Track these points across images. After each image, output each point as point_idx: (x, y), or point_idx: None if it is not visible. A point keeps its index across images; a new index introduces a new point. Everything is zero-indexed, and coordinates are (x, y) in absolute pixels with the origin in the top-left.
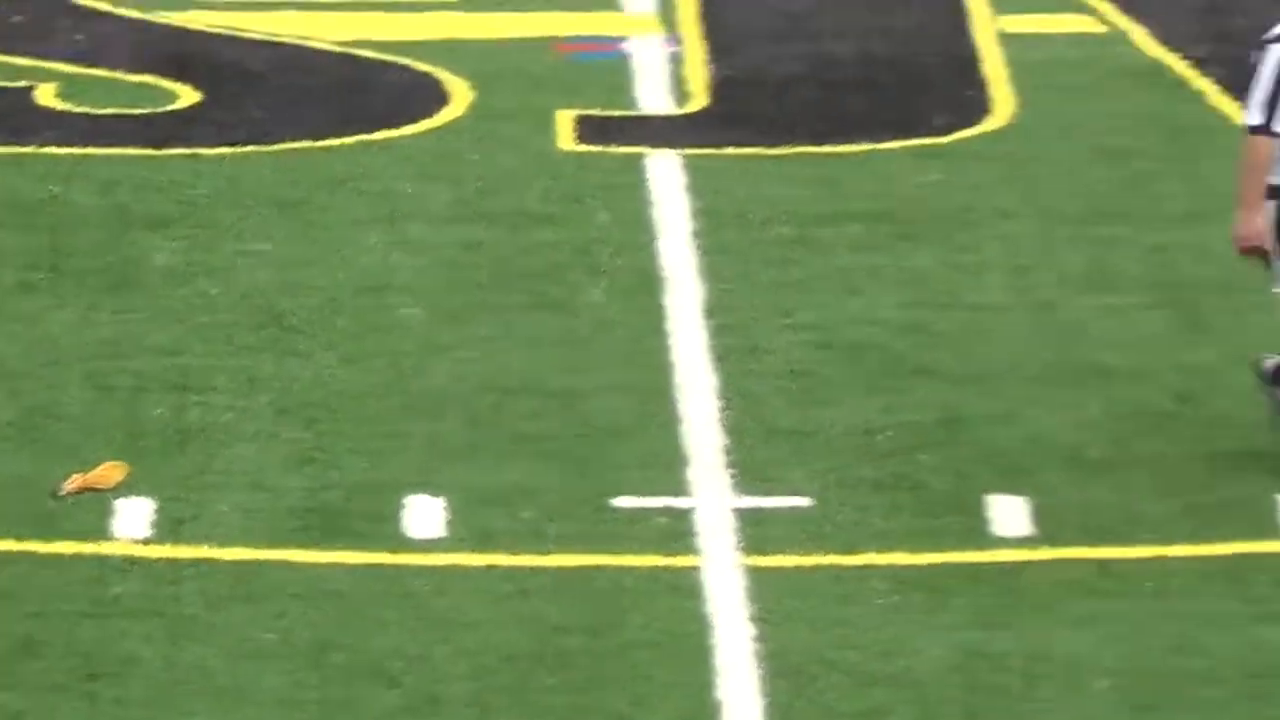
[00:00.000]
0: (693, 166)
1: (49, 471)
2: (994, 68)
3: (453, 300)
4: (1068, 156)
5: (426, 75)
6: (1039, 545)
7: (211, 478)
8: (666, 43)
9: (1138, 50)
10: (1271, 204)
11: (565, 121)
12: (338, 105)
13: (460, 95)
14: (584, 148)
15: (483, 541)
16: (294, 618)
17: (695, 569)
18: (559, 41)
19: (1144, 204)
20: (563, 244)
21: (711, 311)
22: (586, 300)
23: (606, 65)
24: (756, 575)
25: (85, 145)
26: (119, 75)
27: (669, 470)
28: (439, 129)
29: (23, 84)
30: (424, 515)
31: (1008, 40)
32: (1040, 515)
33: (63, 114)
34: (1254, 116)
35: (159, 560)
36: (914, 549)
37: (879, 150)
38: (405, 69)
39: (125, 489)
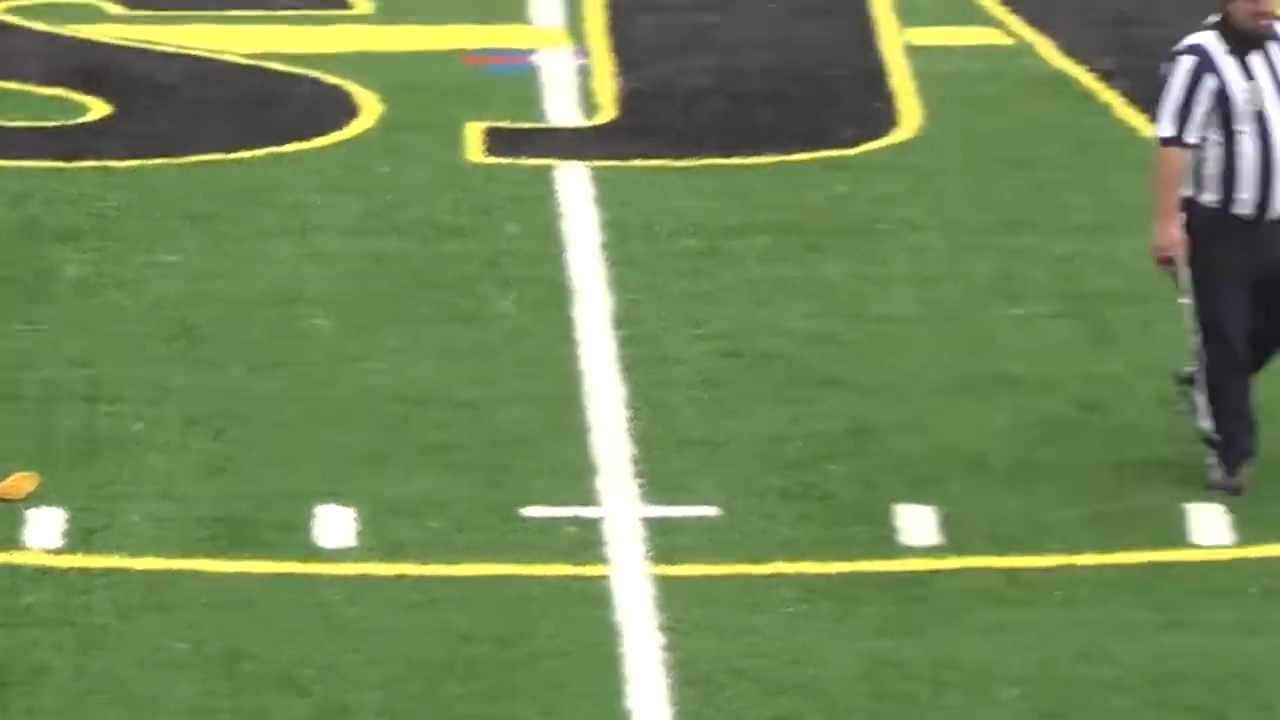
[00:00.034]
0: (601, 178)
1: None
2: (901, 80)
3: (362, 311)
4: (975, 168)
5: (336, 88)
6: (947, 554)
7: (122, 488)
8: (575, 55)
9: (1044, 62)
10: (1182, 215)
11: (474, 134)
12: (248, 118)
13: (370, 108)
14: (493, 160)
15: (392, 551)
16: (205, 627)
17: (604, 578)
18: (468, 54)
19: (1051, 215)
20: (472, 255)
21: (620, 322)
22: (495, 311)
23: (515, 78)
24: (665, 584)
25: None
26: (29, 88)
27: (578, 480)
28: (349, 141)
29: None
30: (334, 525)
31: (915, 53)
32: (948, 524)
33: None
34: (1165, 128)
35: (70, 570)
36: (822, 558)
37: (787, 162)
38: (315, 82)
39: (36, 499)
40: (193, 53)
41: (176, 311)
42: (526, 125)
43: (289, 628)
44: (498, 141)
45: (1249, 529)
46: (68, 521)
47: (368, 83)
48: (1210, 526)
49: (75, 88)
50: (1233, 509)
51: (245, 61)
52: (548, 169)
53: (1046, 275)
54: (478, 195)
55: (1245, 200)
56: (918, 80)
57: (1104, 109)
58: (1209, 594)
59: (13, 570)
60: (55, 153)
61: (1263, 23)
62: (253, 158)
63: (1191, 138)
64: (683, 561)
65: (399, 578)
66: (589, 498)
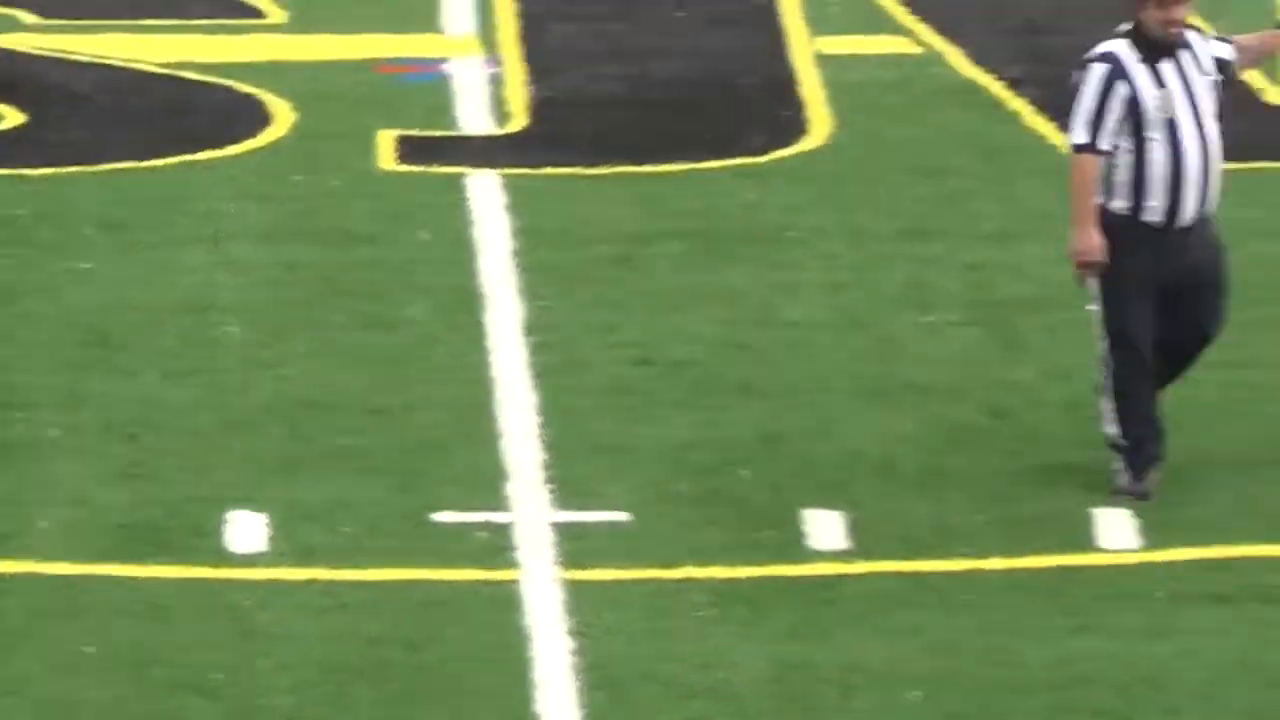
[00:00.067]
0: (513, 186)
1: None
2: (811, 88)
3: (275, 318)
4: (884, 176)
5: (249, 97)
6: (855, 559)
7: (35, 493)
8: (487, 64)
9: (953, 71)
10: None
11: (387, 142)
12: (162, 126)
13: (283, 116)
14: (405, 168)
15: (304, 556)
16: (116, 631)
17: (514, 583)
18: (380, 63)
19: (959, 223)
20: (384, 263)
21: (531, 329)
22: (407, 318)
23: (427, 86)
24: (575, 589)
25: None
26: None
27: (488, 485)
28: (262, 150)
29: None
30: (245, 530)
31: (824, 61)
32: (856, 529)
33: None
34: (1079, 135)
35: None
36: (732, 563)
37: (697, 170)
38: (229, 90)
39: None
40: (107, 62)
41: (90, 319)
42: (438, 134)
43: (200, 632)
44: (410, 150)
45: (1155, 533)
46: None
47: (281, 91)
48: (1117, 531)
49: None
50: (1139, 514)
51: (159, 70)
52: (459, 177)
53: (955, 283)
54: (390, 203)
55: (1155, 207)
56: (827, 88)
57: (1013, 117)
58: (1116, 598)
59: None
60: None
61: (1174, 31)
62: (166, 166)
63: (1105, 144)
64: (592, 566)
65: (310, 582)
66: (499, 503)
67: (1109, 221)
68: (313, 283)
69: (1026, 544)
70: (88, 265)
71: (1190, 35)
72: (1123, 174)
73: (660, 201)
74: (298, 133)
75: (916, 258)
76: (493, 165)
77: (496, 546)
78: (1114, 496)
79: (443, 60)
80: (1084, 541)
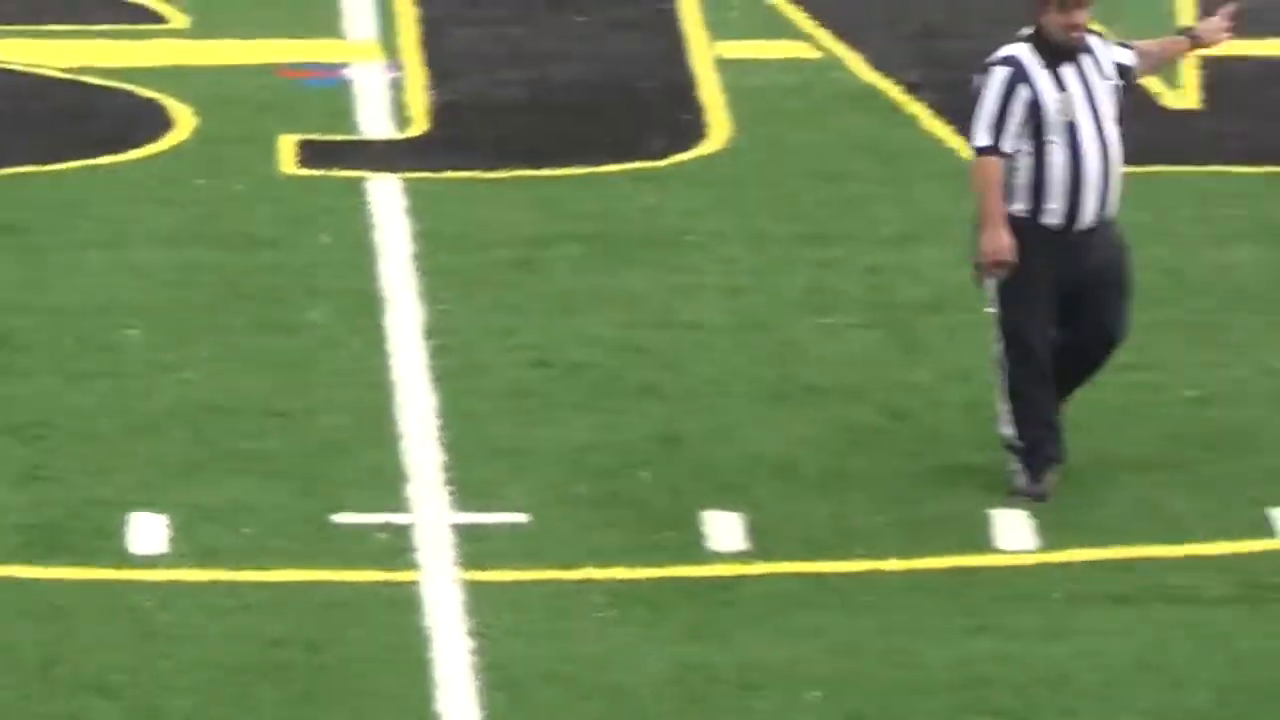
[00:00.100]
0: (413, 190)
1: None
2: (710, 93)
3: (177, 322)
4: (783, 180)
5: (151, 101)
6: (754, 560)
7: None
8: (387, 69)
9: (852, 76)
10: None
11: (288, 146)
12: (64, 131)
13: (184, 121)
14: (306, 172)
15: (205, 558)
16: (18, 632)
17: (415, 584)
18: (282, 68)
19: (858, 226)
20: (285, 266)
21: (431, 332)
22: (308, 321)
23: (328, 91)
24: (475, 590)
25: None
26: None
27: (389, 487)
28: (164, 154)
29: None
30: (147, 532)
31: (724, 66)
32: (755, 530)
33: None
34: (981, 138)
35: None
36: (631, 564)
37: (597, 173)
38: (130, 95)
39: None
40: (8, 66)
41: None
42: (339, 138)
43: (102, 633)
44: (311, 154)
45: (1053, 534)
46: None
47: (183, 96)
48: (1015, 532)
49: None
50: (1037, 515)
51: (61, 75)
52: (360, 181)
53: (854, 286)
54: (291, 207)
55: (1054, 210)
56: (727, 93)
57: (911, 121)
58: (1014, 599)
59: None
60: None
61: (1075, 35)
62: (68, 170)
63: (1007, 147)
64: (492, 567)
65: (211, 584)
66: (400, 505)
67: (1008, 224)
68: (214, 286)
69: (925, 545)
70: None
71: (1091, 40)
72: (1023, 177)
73: (560, 205)
74: (199, 137)
75: (816, 261)
76: (393, 169)
77: (397, 548)
78: (1012, 498)
79: (344, 65)
80: (982, 542)
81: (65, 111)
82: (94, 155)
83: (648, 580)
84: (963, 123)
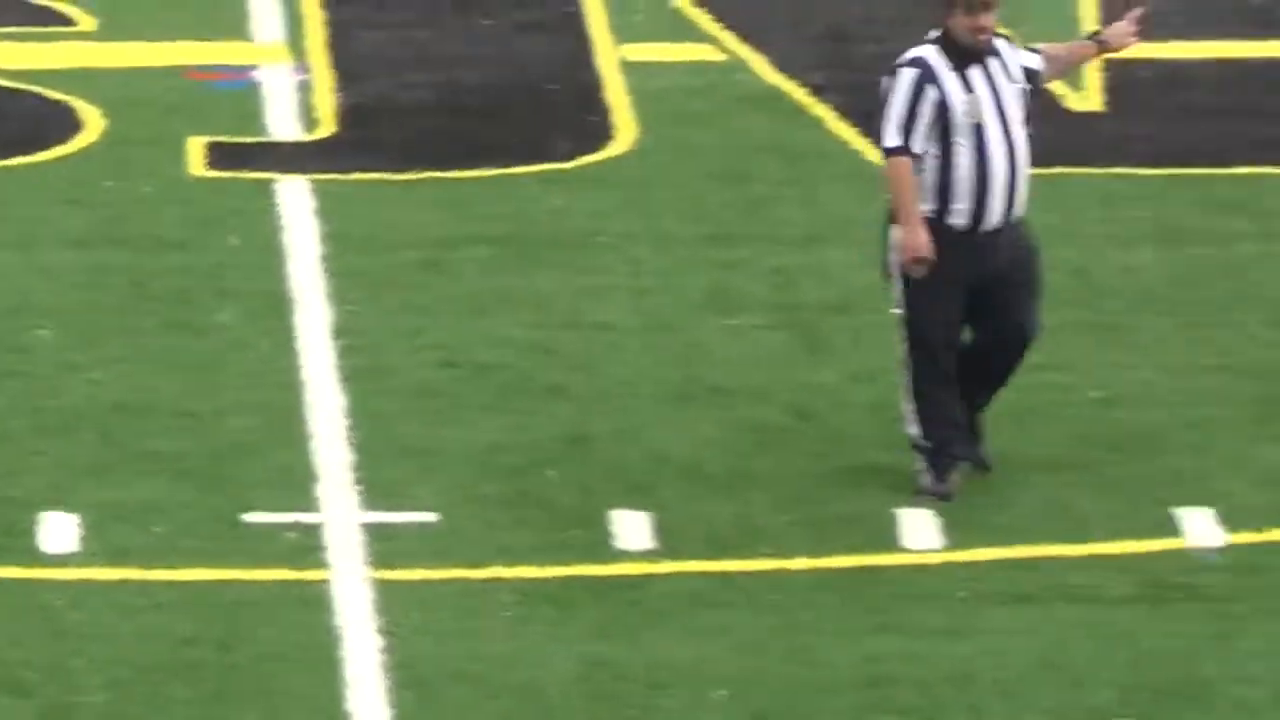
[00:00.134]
0: (322, 192)
1: None
2: (616, 95)
3: (86, 323)
4: (689, 181)
5: (60, 103)
6: (661, 559)
7: None
8: (295, 71)
9: (757, 78)
10: (897, 229)
11: (197, 148)
12: None
13: (93, 123)
14: (215, 174)
15: (116, 556)
16: None
17: (324, 583)
18: (190, 70)
19: (763, 228)
20: (194, 268)
21: (340, 333)
22: (218, 323)
23: (237, 93)
24: (384, 589)
25: None
26: None
27: (299, 487)
28: (73, 156)
29: None
30: (58, 531)
31: (630, 69)
32: (663, 530)
33: None
34: (891, 138)
35: None
36: (539, 563)
37: (505, 175)
38: (39, 97)
39: None
40: None
41: None
42: (248, 140)
43: (13, 632)
44: (220, 156)
45: (958, 533)
46: None
47: (91, 98)
48: (920, 531)
49: None
50: (942, 514)
51: None
52: (269, 183)
53: (760, 287)
54: (200, 209)
55: (961, 211)
56: (633, 95)
57: (816, 123)
58: (918, 598)
59: None
60: None
61: (982, 38)
62: None
63: (917, 147)
64: (402, 566)
65: (123, 582)
66: (309, 504)
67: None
68: (124, 288)
69: (831, 544)
70: None
71: (999, 44)
72: (929, 178)
73: (468, 207)
74: (108, 139)
75: (722, 263)
76: (302, 171)
77: (306, 547)
78: (917, 497)
79: (252, 67)
80: (887, 542)
81: None
82: (3, 157)
83: (556, 579)
84: (868, 125)
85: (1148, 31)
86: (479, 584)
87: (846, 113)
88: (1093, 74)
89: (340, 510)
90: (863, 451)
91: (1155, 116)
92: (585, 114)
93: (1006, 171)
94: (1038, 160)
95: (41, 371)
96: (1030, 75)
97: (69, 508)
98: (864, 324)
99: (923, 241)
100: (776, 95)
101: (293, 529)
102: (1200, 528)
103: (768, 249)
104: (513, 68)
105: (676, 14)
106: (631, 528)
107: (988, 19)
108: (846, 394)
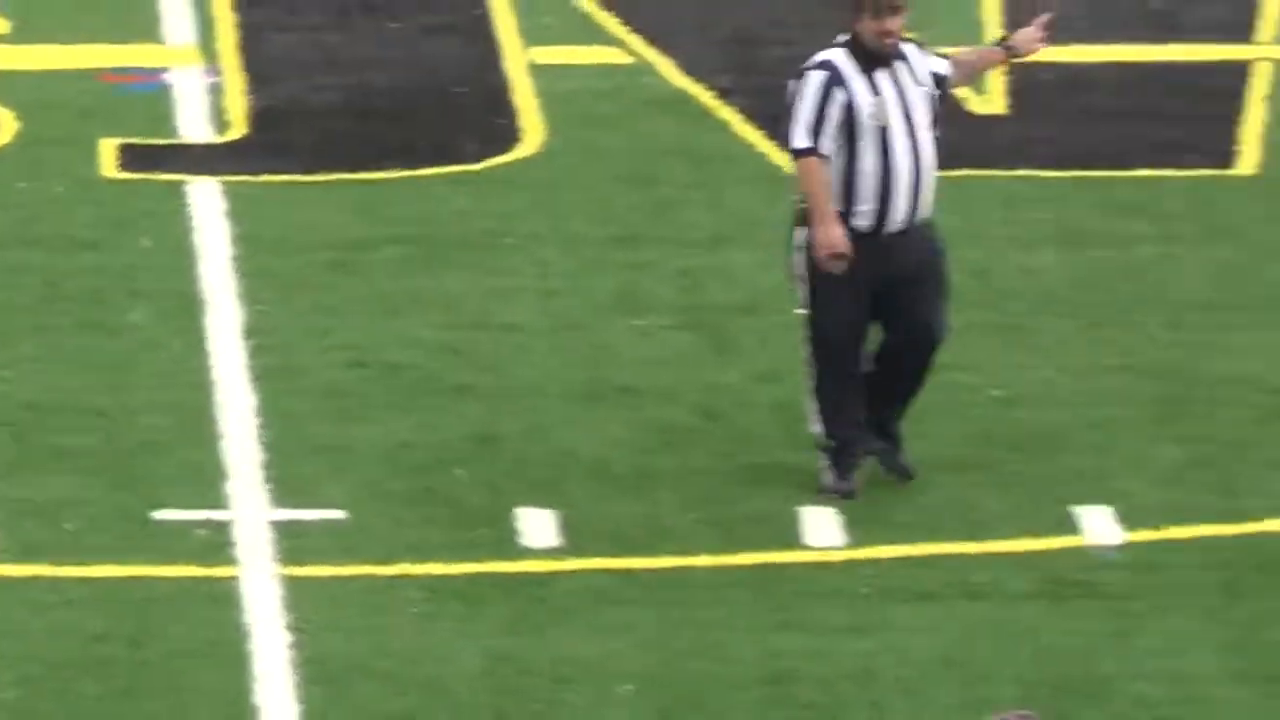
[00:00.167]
0: (233, 193)
1: None
2: (524, 98)
3: None
4: (596, 183)
5: None
6: (567, 556)
7: None
8: (207, 74)
9: (664, 81)
10: (802, 231)
11: (109, 150)
12: None
13: (6, 125)
14: (127, 175)
15: (26, 553)
16: None
17: (234, 579)
18: (103, 72)
19: (670, 230)
20: (107, 268)
21: (250, 333)
22: (130, 323)
23: (149, 96)
24: (293, 585)
25: None
26: None
27: (209, 485)
28: None
29: None
30: None
31: (538, 71)
32: (569, 527)
33: None
34: (800, 140)
35: None
36: (447, 560)
37: (415, 177)
38: None
39: None
40: None
41: None
42: (160, 142)
43: None
44: (132, 157)
45: (861, 531)
46: None
47: (4, 100)
48: (823, 529)
49: None
50: (845, 512)
51: None
52: (180, 184)
53: (667, 288)
54: (112, 210)
55: (865, 212)
56: (541, 98)
57: (722, 126)
58: (822, 595)
59: None
60: None
61: (889, 42)
62: None
63: (825, 148)
64: (311, 563)
65: (33, 579)
66: (220, 502)
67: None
68: (36, 288)
69: (735, 542)
70: None
71: (907, 48)
72: (835, 180)
73: (377, 208)
74: (21, 140)
75: (629, 264)
76: (213, 173)
77: (217, 544)
78: (820, 495)
79: (164, 70)
80: (791, 539)
81: None
82: None
83: (463, 576)
84: (774, 127)
85: (1053, 36)
86: (387, 580)
87: (753, 116)
88: (995, 77)
89: (250, 508)
90: (767, 451)
91: (1057, 119)
92: (493, 116)
93: (911, 174)
94: (941, 162)
95: None
96: (939, 80)
97: None
98: (769, 325)
99: (839, 237)
100: (683, 98)
101: (203, 526)
102: (1099, 526)
103: (675, 251)
104: (422, 70)
105: (584, 17)
106: (538, 525)
107: (895, 23)
108: (752, 394)
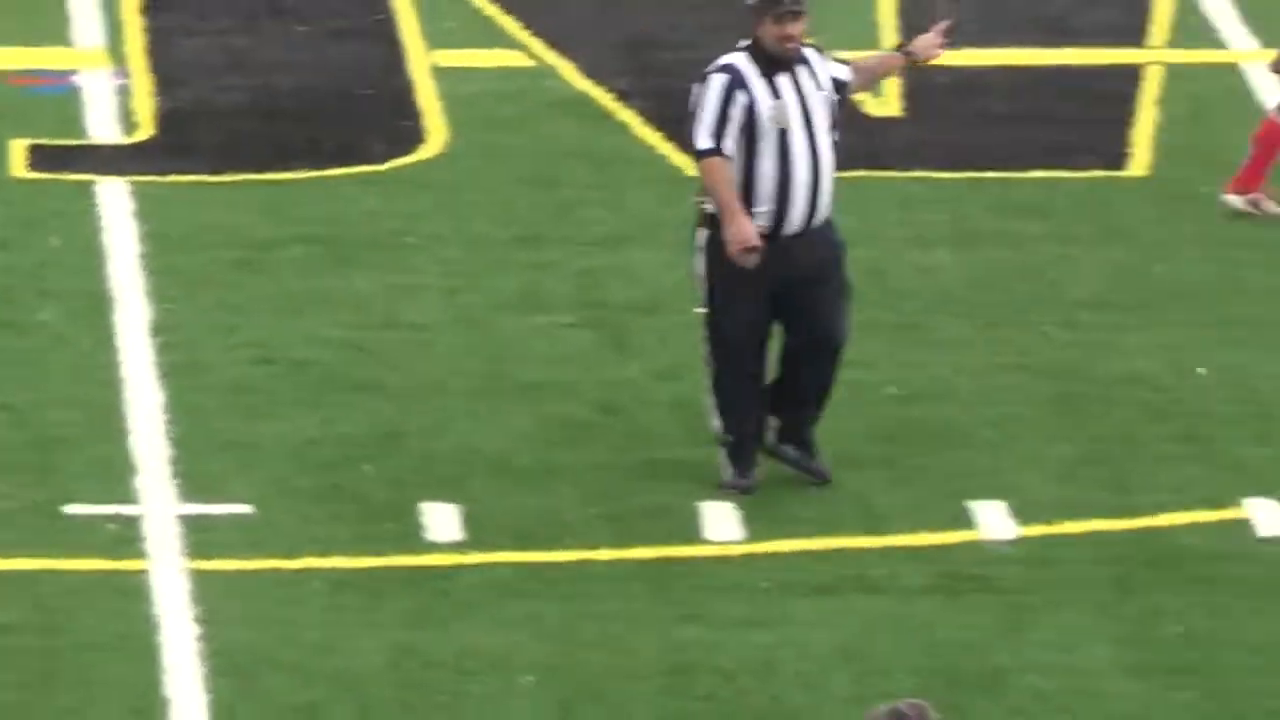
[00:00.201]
0: (141, 193)
1: None
2: (428, 100)
3: None
4: (498, 184)
5: None
6: (470, 550)
7: None
8: (115, 76)
9: (565, 83)
10: (704, 232)
11: (18, 151)
12: None
13: None
14: (36, 175)
15: None
16: None
17: (143, 573)
18: (12, 74)
19: (571, 230)
20: (16, 267)
21: (158, 330)
22: (39, 321)
23: (58, 97)
24: (201, 578)
25: None
26: None
27: (118, 479)
28: None
29: None
30: None
31: (441, 74)
32: (471, 522)
33: None
34: (704, 141)
35: None
36: (352, 553)
37: (320, 177)
38: None
39: None
40: None
41: None
42: (69, 142)
43: None
44: (41, 158)
45: (759, 526)
46: None
47: None
48: (722, 524)
49: None
50: (744, 507)
51: None
52: (89, 184)
53: (568, 287)
54: (21, 210)
55: (763, 214)
56: (444, 100)
57: (622, 128)
58: (721, 589)
59: None
60: None
61: (789, 46)
62: None
63: (728, 149)
64: (218, 557)
65: None
66: (129, 496)
67: (717, 227)
68: None
69: (635, 536)
70: None
71: (809, 53)
72: (735, 180)
73: (284, 208)
74: None
75: (530, 263)
76: (121, 173)
77: (126, 538)
78: (719, 490)
79: (73, 72)
80: (690, 534)
81: None
82: None
83: (368, 569)
84: (673, 129)
85: (952, 42)
86: (293, 574)
87: (652, 118)
88: (891, 80)
89: (158, 502)
90: (667, 446)
91: (952, 122)
92: (398, 118)
93: (810, 177)
94: (837, 164)
95: None
96: (839, 86)
97: None
98: (669, 323)
99: (749, 231)
100: (584, 101)
101: (112, 520)
102: (994, 521)
103: (576, 250)
104: (327, 73)
105: (487, 21)
106: (441, 520)
107: (795, 28)
108: (651, 391)
